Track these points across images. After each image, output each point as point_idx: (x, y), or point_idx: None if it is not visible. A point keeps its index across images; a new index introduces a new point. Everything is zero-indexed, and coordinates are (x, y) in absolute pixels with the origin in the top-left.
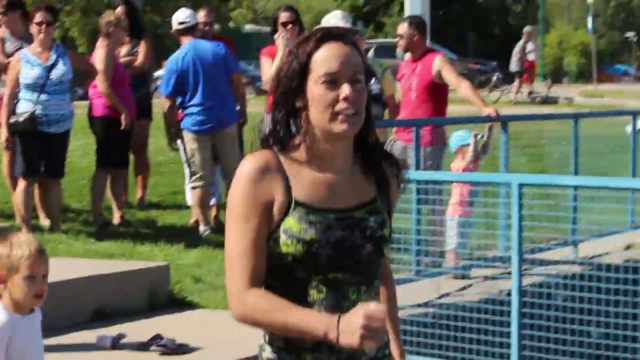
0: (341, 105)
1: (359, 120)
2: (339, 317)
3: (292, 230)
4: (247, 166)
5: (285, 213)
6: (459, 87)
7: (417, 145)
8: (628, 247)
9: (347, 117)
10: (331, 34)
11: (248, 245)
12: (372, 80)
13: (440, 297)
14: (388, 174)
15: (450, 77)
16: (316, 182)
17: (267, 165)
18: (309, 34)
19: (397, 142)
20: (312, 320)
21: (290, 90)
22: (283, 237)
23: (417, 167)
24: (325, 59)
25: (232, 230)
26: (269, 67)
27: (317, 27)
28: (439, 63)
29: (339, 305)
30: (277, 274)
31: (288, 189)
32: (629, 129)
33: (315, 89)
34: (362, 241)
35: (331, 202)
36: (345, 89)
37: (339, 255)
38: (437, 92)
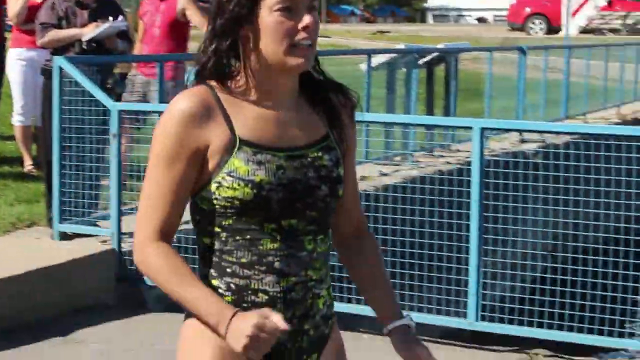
0: (301, 36)
1: (314, 52)
2: (234, 314)
3: (239, 171)
4: (181, 105)
5: (228, 154)
6: (203, 27)
7: (161, 80)
8: None
9: (305, 49)
10: None
11: (165, 193)
12: (120, 17)
13: None
14: (337, 105)
15: (194, 17)
16: (262, 119)
17: (205, 104)
18: None
19: (138, 76)
20: (206, 306)
21: (238, 17)
22: (228, 180)
23: (161, 101)
24: None
25: (151, 174)
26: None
27: None
28: (183, 2)
29: (295, 256)
30: (223, 222)
31: (230, 127)
32: (363, 66)
33: (269, 18)
34: (317, 182)
35: (281, 140)
36: (306, 18)
37: (293, 198)
38: (179, 29)
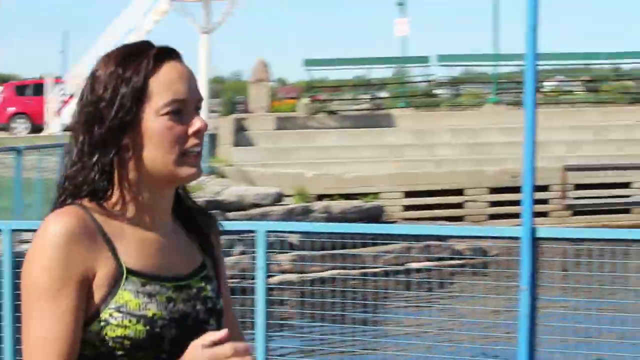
0: (192, 142)
1: (201, 160)
2: None
3: (129, 306)
4: (54, 229)
5: (116, 286)
6: None
7: None
8: None
9: (195, 156)
10: (169, 50)
11: (60, 330)
12: None
13: None
14: (206, 229)
15: None
16: (145, 243)
17: (82, 225)
18: (137, 49)
19: None
20: None
21: (122, 124)
22: (117, 317)
23: None
24: (170, 82)
25: (35, 314)
26: None
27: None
28: None
29: None
30: None
31: (114, 254)
32: None
33: (155, 123)
34: (205, 315)
35: (166, 269)
36: (197, 122)
37: (184, 335)
38: None
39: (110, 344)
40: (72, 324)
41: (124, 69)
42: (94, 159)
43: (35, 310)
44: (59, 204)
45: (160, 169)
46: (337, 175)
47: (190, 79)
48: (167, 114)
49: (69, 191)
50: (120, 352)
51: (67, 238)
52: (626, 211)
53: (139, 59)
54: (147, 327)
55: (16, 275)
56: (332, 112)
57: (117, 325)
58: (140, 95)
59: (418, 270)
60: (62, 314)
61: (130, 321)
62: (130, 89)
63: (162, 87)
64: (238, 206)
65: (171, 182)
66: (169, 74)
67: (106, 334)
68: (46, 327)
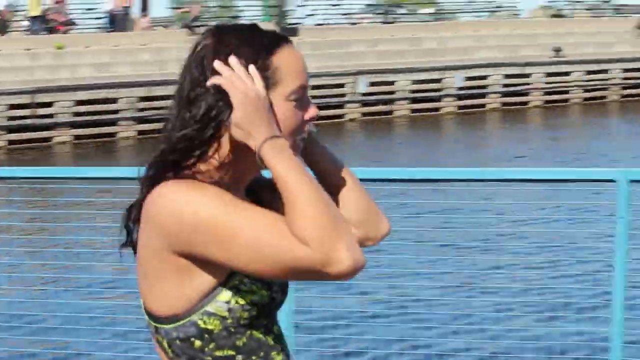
0: (306, 128)
1: None
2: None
3: None
4: (187, 184)
5: None
6: None
7: None
8: None
9: (301, 142)
10: (282, 35)
11: (270, 214)
12: None
13: None
14: (267, 205)
15: None
16: None
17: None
18: (254, 32)
19: None
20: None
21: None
22: (247, 283)
23: None
24: (298, 69)
25: (236, 221)
26: None
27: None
28: None
29: (279, 349)
30: (237, 342)
31: None
32: None
33: (283, 107)
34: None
35: None
36: (312, 110)
37: (282, 298)
38: None
39: (238, 313)
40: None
41: (251, 52)
42: (208, 133)
43: (234, 220)
44: (167, 170)
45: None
46: None
47: (305, 64)
48: (294, 100)
49: (175, 156)
50: (244, 322)
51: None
52: None
53: (254, 45)
54: (269, 292)
55: None
56: None
57: (247, 292)
58: (270, 80)
59: None
60: (257, 209)
61: (257, 287)
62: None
63: (291, 73)
64: None
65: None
66: (294, 60)
67: (236, 302)
68: (260, 220)
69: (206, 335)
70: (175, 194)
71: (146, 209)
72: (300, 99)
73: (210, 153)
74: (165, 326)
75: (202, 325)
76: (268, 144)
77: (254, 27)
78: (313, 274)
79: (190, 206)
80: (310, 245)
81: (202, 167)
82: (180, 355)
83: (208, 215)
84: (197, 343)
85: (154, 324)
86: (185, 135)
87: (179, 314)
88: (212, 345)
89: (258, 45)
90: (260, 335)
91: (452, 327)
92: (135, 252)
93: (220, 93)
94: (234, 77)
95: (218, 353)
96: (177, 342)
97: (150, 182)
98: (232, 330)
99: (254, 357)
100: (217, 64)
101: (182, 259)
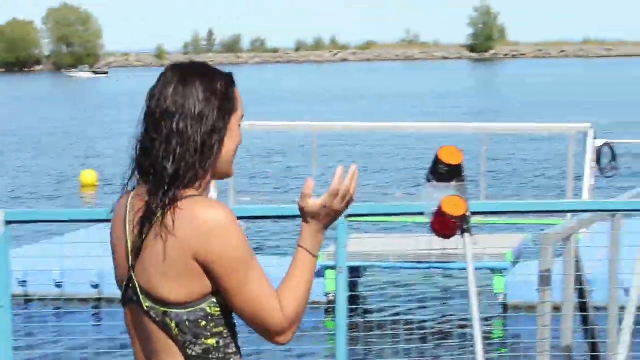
0: None
1: None
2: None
3: None
4: (225, 212)
5: None
6: None
7: None
8: None
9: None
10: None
11: (269, 285)
12: None
13: None
14: None
15: None
16: None
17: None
18: (217, 73)
19: None
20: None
21: (223, 129)
22: None
23: None
24: (240, 101)
25: (255, 272)
26: None
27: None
28: None
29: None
30: (229, 319)
31: None
32: None
33: (237, 129)
34: None
35: None
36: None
37: None
38: None
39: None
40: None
41: (222, 91)
42: (206, 156)
43: (254, 271)
44: (174, 190)
45: (225, 165)
46: None
47: None
48: (240, 122)
49: (184, 179)
50: (229, 309)
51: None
52: None
53: (226, 79)
54: None
55: None
56: None
57: None
58: (233, 106)
59: None
60: (264, 274)
61: None
62: (229, 104)
63: (240, 104)
64: None
65: (223, 177)
66: (238, 95)
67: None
68: (265, 284)
69: (209, 317)
70: (227, 222)
71: (179, 219)
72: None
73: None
74: (176, 311)
75: (209, 311)
76: (320, 242)
77: (218, 71)
78: (264, 330)
79: (232, 239)
80: (285, 318)
81: (196, 185)
82: (187, 333)
83: (238, 256)
84: (203, 323)
85: (164, 309)
86: (195, 164)
87: (193, 302)
88: (212, 324)
89: (230, 79)
90: (234, 316)
91: None
92: (137, 253)
93: (216, 133)
94: (349, 190)
95: (215, 330)
96: (187, 322)
97: (167, 199)
98: (225, 314)
99: (233, 331)
100: (341, 172)
101: (199, 266)
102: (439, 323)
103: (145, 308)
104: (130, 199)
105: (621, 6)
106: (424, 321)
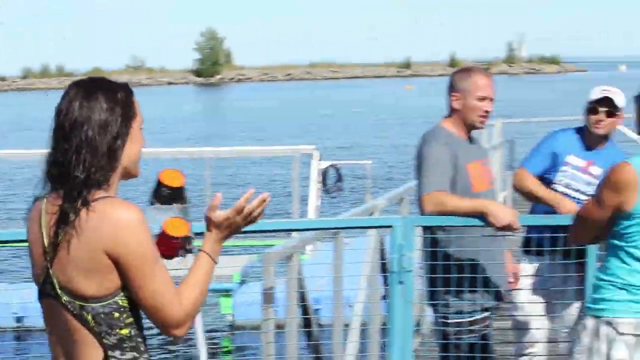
0: None
1: None
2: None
3: None
4: (137, 213)
5: None
6: None
7: None
8: None
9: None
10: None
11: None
12: None
13: None
14: None
15: None
16: None
17: None
18: (116, 84)
19: None
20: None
21: (126, 135)
22: None
23: None
24: (138, 105)
25: (158, 270)
26: None
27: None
28: None
29: None
30: (137, 312)
31: None
32: None
33: (137, 132)
34: None
35: None
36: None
37: None
38: None
39: None
40: None
41: (123, 100)
42: (113, 159)
43: (158, 269)
44: (85, 194)
45: (131, 165)
46: None
47: None
48: (141, 128)
49: (94, 182)
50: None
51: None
52: None
53: (127, 91)
54: None
55: None
56: None
57: None
58: (133, 115)
59: None
60: (166, 270)
61: None
62: (130, 111)
63: (139, 110)
64: None
65: (129, 177)
66: (136, 102)
67: None
68: (167, 280)
69: (121, 310)
70: (136, 221)
71: (92, 220)
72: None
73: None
74: (93, 304)
75: (120, 303)
76: (219, 250)
77: (119, 84)
78: (163, 321)
79: (140, 236)
80: (183, 311)
81: (104, 187)
82: (102, 325)
83: (145, 251)
84: (116, 315)
85: (80, 303)
86: (104, 167)
87: (107, 295)
88: (124, 316)
89: (128, 88)
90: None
91: None
92: (54, 252)
93: (119, 138)
94: (254, 211)
95: (127, 320)
96: (102, 315)
97: (79, 202)
98: (133, 306)
99: (140, 322)
100: None
101: (111, 261)
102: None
103: (64, 302)
104: (44, 204)
105: (347, 29)
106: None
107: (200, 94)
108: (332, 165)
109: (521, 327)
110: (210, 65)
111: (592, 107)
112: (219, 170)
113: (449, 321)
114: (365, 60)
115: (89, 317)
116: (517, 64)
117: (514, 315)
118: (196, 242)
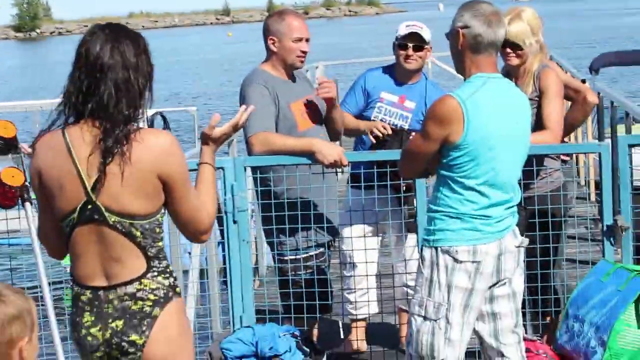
0: None
1: None
2: None
3: None
4: (172, 136)
5: None
6: None
7: None
8: None
9: None
10: None
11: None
12: None
13: None
14: None
15: None
16: None
17: None
18: (136, 33)
19: None
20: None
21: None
22: None
23: None
24: None
25: (191, 187)
26: None
27: None
28: None
29: None
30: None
31: None
32: None
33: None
34: None
35: None
36: None
37: None
38: None
39: None
40: None
41: (145, 46)
42: (142, 98)
43: (190, 186)
44: (128, 126)
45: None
46: None
47: None
48: None
49: (132, 118)
50: None
51: None
52: None
53: (144, 39)
54: None
55: None
56: None
57: None
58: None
59: None
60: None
61: None
62: (151, 57)
63: None
64: None
65: None
66: None
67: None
68: (196, 193)
69: (160, 225)
70: (176, 145)
71: (138, 149)
72: None
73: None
74: (141, 222)
75: (160, 220)
76: (214, 159)
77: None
78: (195, 230)
79: (181, 157)
80: (210, 219)
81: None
82: (147, 238)
83: (185, 170)
84: (157, 230)
85: (130, 221)
86: (138, 105)
87: (153, 213)
88: (160, 230)
89: (143, 37)
90: None
91: None
92: (97, 182)
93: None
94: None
95: (161, 234)
96: (148, 230)
97: (122, 134)
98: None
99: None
100: None
101: (159, 182)
102: None
103: (112, 222)
104: (68, 136)
105: None
106: None
107: (20, 49)
108: (158, 113)
109: (349, 262)
110: (30, 20)
111: (401, 43)
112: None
113: (285, 258)
114: (185, 8)
115: (138, 233)
116: (336, 7)
117: (343, 250)
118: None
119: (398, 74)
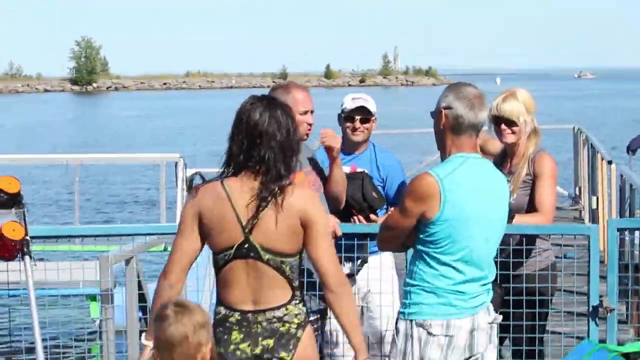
0: None
1: None
2: None
3: None
4: (313, 192)
5: None
6: None
7: None
8: None
9: None
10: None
11: None
12: None
13: None
14: None
15: None
16: None
17: None
18: (282, 103)
19: None
20: None
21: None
22: None
23: None
24: None
25: (328, 237)
26: None
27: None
28: None
29: None
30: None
31: None
32: None
33: None
34: None
35: None
36: None
37: None
38: None
39: None
40: None
41: (291, 114)
42: (293, 158)
43: (328, 236)
44: (282, 181)
45: None
46: None
47: None
48: None
49: (286, 174)
50: None
51: None
52: None
53: (289, 107)
54: None
55: None
56: None
57: None
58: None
59: None
60: None
61: None
62: (295, 123)
63: None
64: None
65: None
66: None
67: None
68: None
69: (299, 263)
70: (317, 196)
71: (288, 199)
72: None
73: None
74: (289, 259)
75: (299, 259)
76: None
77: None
78: (330, 277)
79: (321, 208)
80: (342, 273)
81: None
82: (294, 273)
83: (325, 219)
84: (298, 266)
85: (281, 259)
86: (291, 163)
87: (296, 252)
88: (299, 267)
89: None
90: None
91: None
92: (253, 225)
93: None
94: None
95: (298, 271)
96: (295, 267)
97: (277, 187)
98: None
99: None
100: None
101: (302, 228)
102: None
103: (266, 259)
104: (229, 185)
105: (224, 39)
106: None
107: (75, 102)
108: (197, 173)
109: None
110: (86, 74)
111: (347, 116)
112: (89, 176)
113: None
114: (242, 71)
115: (287, 269)
116: (393, 75)
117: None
118: (36, 247)
119: (346, 145)
